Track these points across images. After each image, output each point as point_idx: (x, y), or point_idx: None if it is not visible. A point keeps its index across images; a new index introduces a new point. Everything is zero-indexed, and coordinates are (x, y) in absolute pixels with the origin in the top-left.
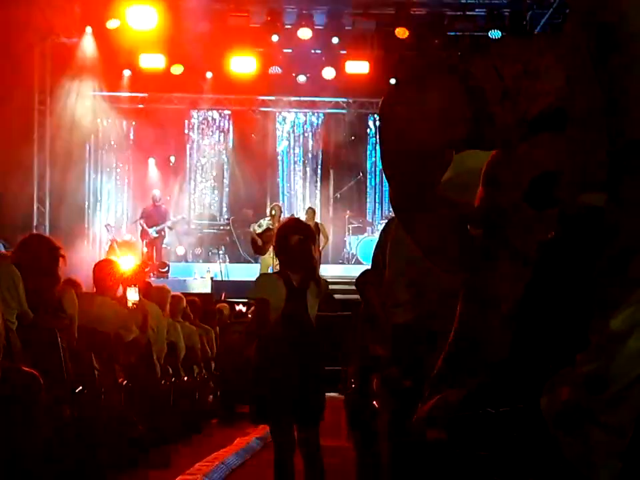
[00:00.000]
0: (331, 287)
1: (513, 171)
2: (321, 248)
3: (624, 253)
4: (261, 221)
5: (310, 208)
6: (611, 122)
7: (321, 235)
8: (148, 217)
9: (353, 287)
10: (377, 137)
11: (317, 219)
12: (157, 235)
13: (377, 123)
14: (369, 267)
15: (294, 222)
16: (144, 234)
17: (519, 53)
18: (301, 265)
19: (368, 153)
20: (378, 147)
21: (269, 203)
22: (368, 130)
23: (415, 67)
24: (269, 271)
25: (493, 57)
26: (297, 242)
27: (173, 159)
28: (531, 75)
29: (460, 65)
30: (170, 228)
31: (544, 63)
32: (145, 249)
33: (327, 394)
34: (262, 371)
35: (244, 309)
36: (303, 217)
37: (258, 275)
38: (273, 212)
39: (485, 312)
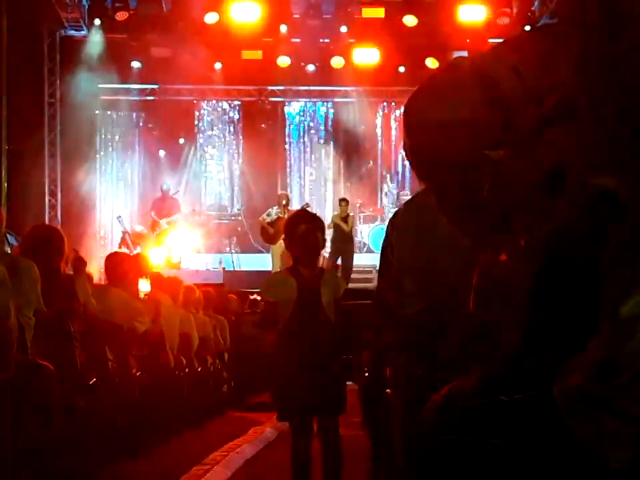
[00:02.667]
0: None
1: (526, 162)
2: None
3: (636, 236)
4: (270, 210)
5: (344, 199)
6: (622, 103)
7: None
8: (158, 208)
9: (365, 276)
10: (403, 146)
11: (329, 209)
12: (167, 227)
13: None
14: None
15: (302, 212)
16: (155, 225)
17: (536, 47)
18: (309, 255)
19: (378, 141)
20: (405, 155)
21: (279, 193)
22: (378, 118)
23: (435, 76)
24: (279, 261)
25: (511, 56)
26: (304, 232)
27: (182, 140)
28: (549, 69)
29: (480, 70)
30: (180, 220)
31: (557, 54)
32: (157, 240)
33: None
34: (279, 369)
35: (259, 298)
36: (334, 208)
37: (269, 265)
38: (284, 202)
39: (498, 301)
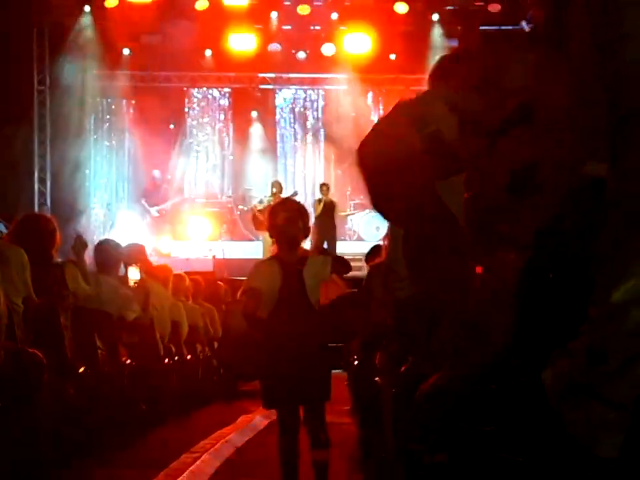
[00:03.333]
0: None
1: (494, 165)
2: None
3: (626, 223)
4: (262, 197)
5: (324, 184)
6: (611, 92)
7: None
8: (149, 196)
9: (355, 264)
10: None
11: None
12: (158, 215)
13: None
14: (372, 243)
15: (282, 201)
16: (145, 213)
17: (497, 57)
18: (289, 242)
19: (369, 129)
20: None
21: (270, 180)
22: (368, 106)
23: (380, 121)
24: (270, 249)
25: (447, 87)
26: (283, 220)
27: (172, 126)
28: (510, 75)
29: (414, 112)
30: (170, 207)
31: (518, 61)
32: (147, 228)
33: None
34: (263, 357)
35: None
36: (317, 193)
37: (260, 253)
38: (274, 189)
39: (490, 294)
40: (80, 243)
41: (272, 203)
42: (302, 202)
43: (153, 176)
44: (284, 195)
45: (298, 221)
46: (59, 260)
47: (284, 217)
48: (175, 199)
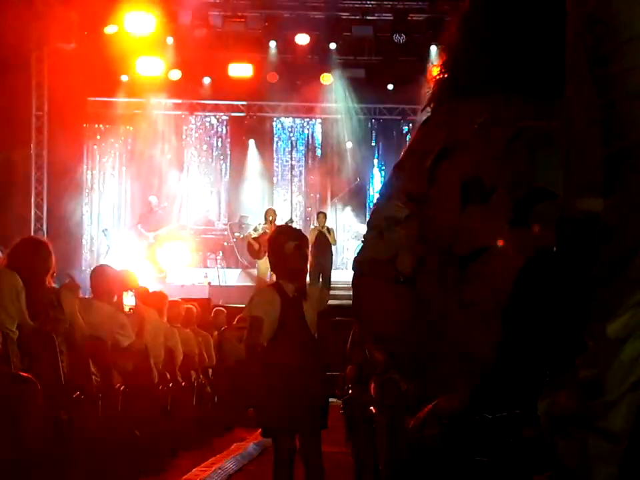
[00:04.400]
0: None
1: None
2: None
3: (622, 255)
4: (257, 225)
5: (321, 212)
6: (607, 125)
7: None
8: (145, 222)
9: (350, 292)
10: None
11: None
12: (154, 241)
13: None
14: None
15: (288, 229)
16: (141, 238)
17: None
18: (297, 273)
19: (366, 158)
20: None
21: (267, 208)
22: (366, 135)
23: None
24: (267, 275)
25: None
26: (294, 249)
27: (169, 155)
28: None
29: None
30: (166, 233)
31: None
32: (143, 254)
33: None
34: (262, 385)
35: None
36: (313, 222)
37: (254, 285)
38: (270, 217)
39: (461, 313)
40: (72, 285)
41: (267, 230)
42: None
43: (149, 202)
44: (279, 223)
45: (305, 249)
46: (55, 285)
47: (292, 246)
48: (170, 225)
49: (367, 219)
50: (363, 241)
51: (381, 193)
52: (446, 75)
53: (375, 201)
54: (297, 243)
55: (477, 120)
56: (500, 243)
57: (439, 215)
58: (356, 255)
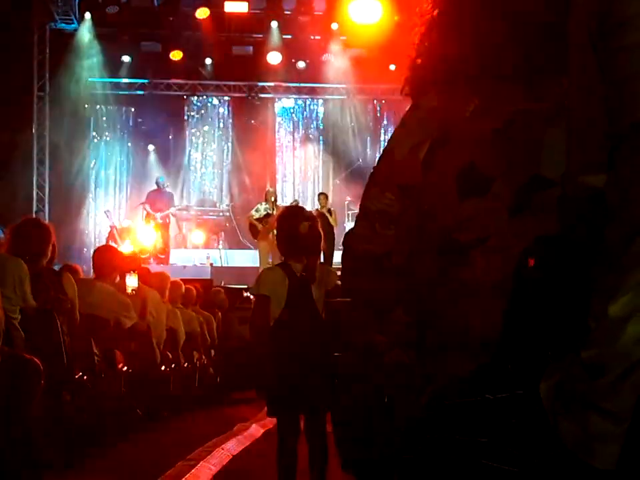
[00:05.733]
0: None
1: (434, 181)
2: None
3: (624, 235)
4: (258, 205)
5: (322, 193)
6: (612, 104)
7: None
8: (152, 202)
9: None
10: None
11: (317, 206)
12: (161, 221)
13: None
14: None
15: (299, 209)
16: (148, 218)
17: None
18: (309, 253)
19: (368, 139)
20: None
21: (267, 189)
22: (367, 116)
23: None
24: (269, 256)
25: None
26: (308, 229)
27: (171, 135)
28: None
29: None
30: (173, 215)
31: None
32: (151, 234)
33: None
34: (269, 364)
35: (252, 296)
36: (315, 203)
37: (257, 261)
38: (272, 198)
39: (462, 294)
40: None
41: (268, 211)
42: None
43: (158, 182)
44: (282, 203)
45: (318, 229)
46: (57, 266)
47: (307, 226)
48: (179, 206)
49: None
50: (355, 225)
51: (372, 177)
52: (422, 60)
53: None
54: (310, 223)
55: (468, 107)
56: (501, 231)
57: (438, 205)
58: (347, 237)
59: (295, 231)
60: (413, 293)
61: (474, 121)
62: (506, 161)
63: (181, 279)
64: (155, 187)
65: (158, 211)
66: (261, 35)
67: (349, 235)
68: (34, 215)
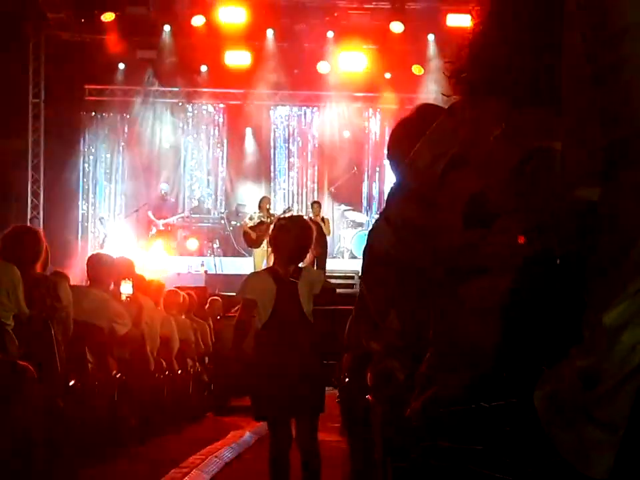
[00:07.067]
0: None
1: (444, 206)
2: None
3: (617, 247)
4: (252, 213)
5: (316, 202)
6: (607, 114)
7: (324, 230)
8: (157, 209)
9: (348, 281)
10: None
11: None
12: (163, 228)
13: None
14: None
15: (291, 217)
16: (150, 225)
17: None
18: (297, 260)
19: (363, 147)
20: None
21: (261, 197)
22: (363, 124)
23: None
24: (263, 264)
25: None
26: (295, 237)
27: (166, 143)
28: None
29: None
30: (173, 224)
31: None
32: (150, 241)
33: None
34: (257, 368)
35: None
36: (307, 211)
37: (251, 269)
38: (267, 206)
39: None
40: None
41: (263, 219)
42: None
43: (160, 189)
44: (276, 211)
45: (313, 236)
46: (50, 272)
47: (297, 234)
48: (182, 214)
49: (364, 207)
50: (375, 227)
51: (399, 184)
52: (467, 73)
53: (391, 188)
54: (298, 230)
55: (494, 131)
56: (499, 263)
57: (444, 225)
58: (370, 241)
59: (287, 237)
60: (408, 301)
61: (496, 149)
62: (515, 199)
63: (175, 287)
64: (159, 194)
65: (161, 219)
66: (256, 43)
67: (372, 232)
68: (29, 222)
